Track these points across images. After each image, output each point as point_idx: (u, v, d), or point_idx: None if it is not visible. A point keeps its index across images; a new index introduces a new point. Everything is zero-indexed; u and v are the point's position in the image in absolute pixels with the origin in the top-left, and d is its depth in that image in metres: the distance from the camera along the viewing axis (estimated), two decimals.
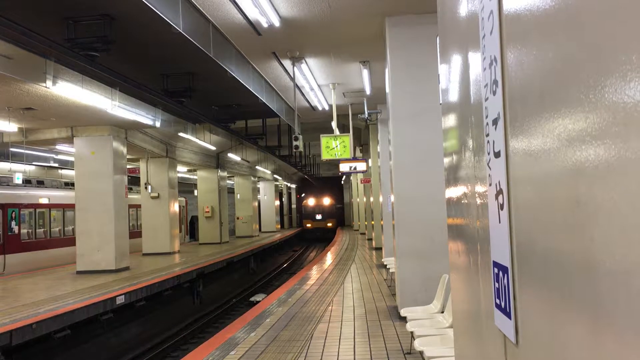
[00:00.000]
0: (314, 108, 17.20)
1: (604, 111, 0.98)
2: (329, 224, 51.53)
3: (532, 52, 1.38)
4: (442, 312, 6.71)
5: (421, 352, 5.24)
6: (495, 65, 1.68)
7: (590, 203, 1.06)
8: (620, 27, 0.92)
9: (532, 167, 1.39)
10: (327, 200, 52.71)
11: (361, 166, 16.50)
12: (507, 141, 1.60)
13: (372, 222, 24.30)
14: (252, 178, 37.46)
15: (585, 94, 1.05)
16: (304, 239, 49.31)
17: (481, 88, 1.90)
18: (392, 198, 9.52)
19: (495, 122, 1.70)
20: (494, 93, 1.70)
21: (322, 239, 46.94)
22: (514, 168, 1.56)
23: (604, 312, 1.01)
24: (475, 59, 2.04)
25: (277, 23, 9.32)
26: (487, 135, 1.82)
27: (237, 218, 37.35)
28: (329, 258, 20.77)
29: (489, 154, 1.80)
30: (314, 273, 15.98)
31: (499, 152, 1.66)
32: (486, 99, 1.82)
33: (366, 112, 15.34)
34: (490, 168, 1.79)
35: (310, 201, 53.13)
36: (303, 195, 60.66)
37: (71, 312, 10.94)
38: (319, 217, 51.76)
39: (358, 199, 38.52)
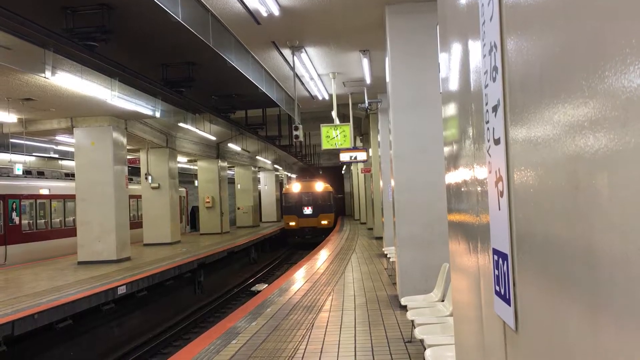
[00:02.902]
0: (314, 97, 17.16)
1: (604, 96, 0.97)
2: (324, 222, 34.20)
3: (532, 38, 1.37)
4: (443, 301, 6.72)
5: (422, 341, 5.26)
6: (495, 52, 1.67)
7: (589, 189, 1.05)
8: (620, 9, 0.91)
9: (531, 154, 1.39)
10: (319, 186, 35.35)
11: (361, 155, 16.50)
12: (507, 128, 1.60)
13: (373, 218, 24.31)
14: (252, 168, 37.47)
15: (585, 79, 1.05)
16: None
17: (481, 75, 1.89)
18: (393, 187, 9.52)
19: (495, 109, 1.70)
20: (494, 80, 1.69)
21: (312, 244, 28.01)
22: (513, 155, 1.55)
23: (603, 298, 1.01)
24: (475, 47, 2.03)
25: (276, 12, 9.27)
26: (487, 122, 1.81)
27: (238, 208, 37.39)
28: (330, 248, 20.81)
29: (488, 141, 1.80)
30: (315, 263, 16.02)
31: (499, 139, 1.66)
32: (486, 86, 1.81)
33: (366, 102, 15.31)
34: (490, 155, 1.79)
35: (295, 187, 35.59)
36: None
37: (73, 302, 10.98)
38: (307, 210, 34.30)
39: (358, 189, 38.51)
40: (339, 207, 51.48)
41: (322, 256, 17.71)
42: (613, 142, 0.94)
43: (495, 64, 1.67)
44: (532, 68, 1.38)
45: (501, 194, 1.66)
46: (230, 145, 27.44)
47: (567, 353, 1.21)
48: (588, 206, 1.07)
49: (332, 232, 31.21)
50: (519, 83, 1.49)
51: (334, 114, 15.77)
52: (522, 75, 1.46)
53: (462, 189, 2.46)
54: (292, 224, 34.25)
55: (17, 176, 20.36)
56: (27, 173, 21.82)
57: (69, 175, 23.71)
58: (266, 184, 45.25)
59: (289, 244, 34.37)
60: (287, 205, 35.23)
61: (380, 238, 19.37)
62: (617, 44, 0.92)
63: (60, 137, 20.72)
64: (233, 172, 38.26)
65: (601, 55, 0.98)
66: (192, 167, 35.41)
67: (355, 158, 16.86)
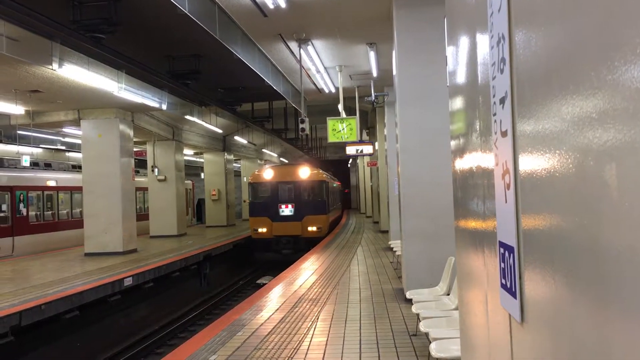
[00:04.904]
0: (320, 90, 17.14)
1: (613, 87, 0.96)
2: (312, 228, 22.23)
3: (541, 29, 1.36)
4: (448, 295, 6.72)
5: (427, 334, 5.26)
6: (503, 43, 1.66)
7: (597, 181, 1.05)
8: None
9: (539, 146, 1.38)
10: (304, 173, 22.97)
11: (368, 149, 16.47)
12: (514, 120, 1.59)
13: (379, 211, 24.29)
14: (258, 161, 37.52)
15: (594, 70, 1.04)
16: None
17: (488, 67, 1.88)
18: (399, 180, 9.51)
19: (502, 100, 1.69)
20: (502, 71, 1.68)
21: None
22: (521, 147, 1.54)
23: (610, 291, 1.01)
24: (483, 39, 2.02)
25: (283, 4, 9.25)
26: (494, 114, 1.80)
27: (244, 201, 37.45)
28: (336, 241, 20.82)
29: (495, 133, 1.79)
30: (321, 256, 16.04)
31: (506, 131, 1.65)
32: (493, 78, 1.80)
33: (373, 95, 15.28)
34: (497, 147, 1.78)
35: (267, 174, 23.04)
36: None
37: (79, 293, 11.04)
38: (285, 210, 22.43)
39: (364, 182, 38.41)
40: (343, 202, 42.83)
41: (328, 249, 17.73)
42: (622, 133, 0.93)
43: (503, 56, 1.66)
44: (540, 59, 1.36)
45: (508, 186, 1.65)
46: (237, 138, 27.46)
47: (573, 345, 1.21)
48: (596, 198, 1.06)
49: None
50: (527, 74, 1.48)
51: (340, 107, 15.75)
52: (530, 66, 1.45)
53: (469, 182, 2.45)
54: (262, 230, 22.12)
55: (25, 168, 20.45)
56: (35, 165, 21.91)
57: (76, 167, 23.80)
58: None
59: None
60: (255, 202, 22.98)
61: (386, 232, 19.37)
62: (626, 34, 0.91)
63: (67, 129, 20.79)
64: (239, 165, 38.31)
65: (610, 46, 0.97)
66: (198, 159, 35.49)
67: (362, 151, 16.84)
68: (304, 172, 22.98)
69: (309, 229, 22.19)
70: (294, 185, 22.79)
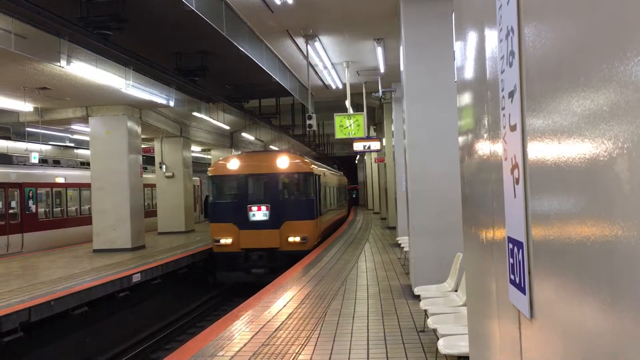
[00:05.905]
0: (327, 87, 17.11)
1: (625, 78, 0.95)
2: (293, 238, 16.30)
3: (550, 21, 1.34)
4: (456, 291, 6.70)
5: (434, 330, 5.25)
6: (512, 36, 1.64)
7: (609, 175, 1.03)
8: None
9: (548, 139, 1.36)
10: (283, 163, 16.87)
11: (375, 145, 16.42)
12: (524, 113, 1.57)
13: (387, 207, 24.25)
14: None
15: (606, 61, 1.02)
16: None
17: (497, 61, 1.86)
18: (406, 177, 9.48)
19: (511, 94, 1.67)
20: (510, 65, 1.66)
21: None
22: (530, 141, 1.53)
23: (621, 286, 0.99)
24: (492, 33, 2.00)
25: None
26: (503, 108, 1.78)
27: None
28: (343, 238, 20.81)
29: (504, 127, 1.77)
30: (328, 252, 16.03)
31: (515, 125, 1.63)
32: (502, 72, 1.78)
33: (380, 91, 15.24)
34: (505, 142, 1.76)
35: (232, 164, 16.96)
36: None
37: (88, 289, 11.09)
38: (257, 214, 16.40)
39: (372, 178, 38.32)
40: (350, 199, 38.13)
41: (335, 245, 17.72)
42: (634, 125, 0.92)
43: (512, 49, 1.64)
44: (550, 51, 1.35)
45: (517, 181, 1.63)
46: (244, 134, 27.49)
47: (583, 341, 1.19)
48: (607, 192, 1.04)
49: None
50: (537, 67, 1.46)
51: (347, 103, 15.72)
52: (540, 59, 1.43)
53: (477, 178, 2.44)
54: (226, 241, 16.52)
55: (34, 165, 20.56)
56: (43, 162, 22.03)
57: (85, 164, 23.91)
58: None
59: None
60: (216, 203, 17.33)
61: (394, 228, 19.34)
62: (639, 24, 0.89)
63: (75, 126, 20.88)
64: None
65: (622, 37, 0.95)
66: (206, 156, 35.54)
67: (369, 148, 16.79)
68: (283, 162, 16.92)
69: (290, 239, 16.40)
70: (268, 180, 16.94)
